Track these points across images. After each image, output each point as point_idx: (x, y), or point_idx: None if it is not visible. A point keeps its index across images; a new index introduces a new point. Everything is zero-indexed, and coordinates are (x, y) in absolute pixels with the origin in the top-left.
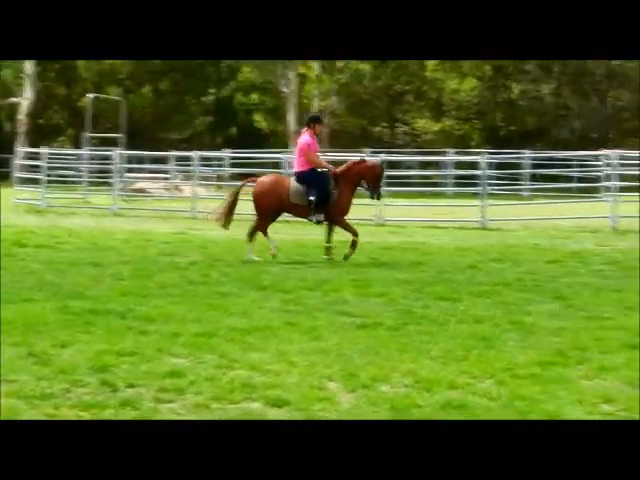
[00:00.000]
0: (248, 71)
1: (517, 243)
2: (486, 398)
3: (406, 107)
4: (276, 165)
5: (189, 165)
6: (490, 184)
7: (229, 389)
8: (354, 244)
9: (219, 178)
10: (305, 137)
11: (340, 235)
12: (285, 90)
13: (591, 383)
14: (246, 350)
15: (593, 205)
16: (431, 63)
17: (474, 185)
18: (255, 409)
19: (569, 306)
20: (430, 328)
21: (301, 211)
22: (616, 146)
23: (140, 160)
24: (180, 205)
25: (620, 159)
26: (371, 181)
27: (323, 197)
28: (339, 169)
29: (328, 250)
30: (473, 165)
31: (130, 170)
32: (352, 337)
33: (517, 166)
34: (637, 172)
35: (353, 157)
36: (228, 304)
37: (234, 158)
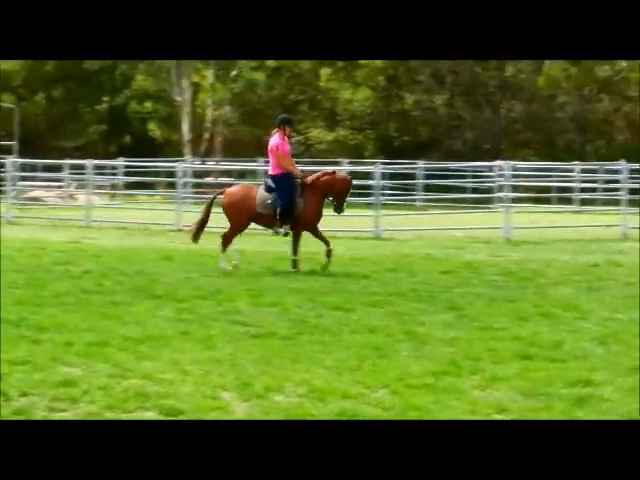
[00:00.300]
0: (142, 79)
1: (411, 253)
2: (379, 408)
3: (300, 117)
4: (170, 174)
5: (83, 173)
6: (384, 194)
7: (123, 398)
8: (329, 253)
9: (113, 187)
10: (274, 139)
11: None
12: (179, 99)
13: (484, 393)
14: (140, 359)
15: (486, 216)
16: (325, 73)
17: (368, 195)
18: (149, 418)
19: (462, 316)
20: (324, 338)
21: (267, 221)
22: (509, 157)
23: (34, 168)
24: (74, 214)
25: (513, 170)
26: (338, 194)
27: (288, 206)
28: (308, 178)
29: (295, 262)
30: (367, 175)
31: (24, 178)
32: (246, 346)
33: (411, 176)
34: (530, 183)
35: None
36: (122, 313)
37: (128, 167)
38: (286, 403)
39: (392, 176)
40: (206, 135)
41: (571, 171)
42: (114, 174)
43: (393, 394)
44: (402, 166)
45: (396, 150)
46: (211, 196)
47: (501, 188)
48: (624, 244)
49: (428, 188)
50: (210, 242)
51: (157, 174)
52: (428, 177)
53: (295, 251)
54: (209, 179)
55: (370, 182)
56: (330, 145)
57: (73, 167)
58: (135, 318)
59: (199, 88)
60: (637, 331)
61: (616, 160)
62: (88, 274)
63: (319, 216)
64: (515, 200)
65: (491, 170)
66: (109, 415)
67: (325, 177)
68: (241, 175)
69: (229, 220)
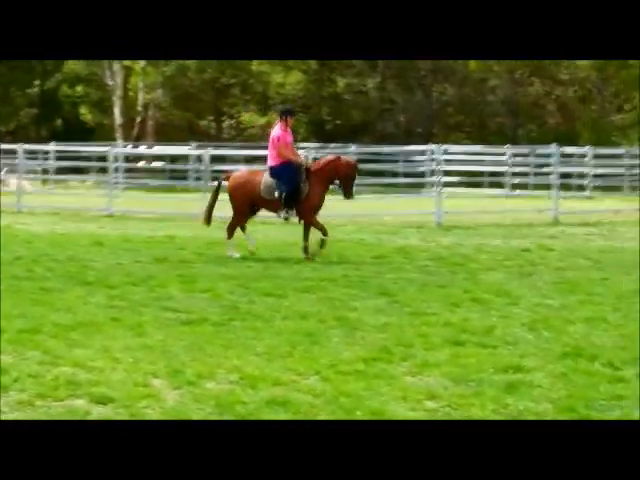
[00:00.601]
0: (73, 63)
1: (343, 238)
2: (310, 395)
3: (232, 100)
4: (102, 159)
5: (14, 158)
6: None
7: (53, 386)
8: (323, 243)
9: (45, 172)
10: (276, 130)
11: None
12: (110, 82)
13: (415, 379)
14: (71, 346)
15: (419, 200)
16: None
17: None
18: (80, 406)
19: (394, 302)
20: (255, 324)
21: (272, 206)
22: (441, 141)
23: None
24: (5, 199)
25: (445, 154)
26: (344, 179)
27: (292, 192)
28: (313, 165)
29: (305, 249)
30: None
31: None
32: (177, 333)
33: None
34: (462, 167)
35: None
36: (53, 300)
37: (60, 152)
38: (217, 390)
39: None
40: (138, 119)
41: (502, 155)
42: (46, 159)
43: (324, 381)
44: (334, 150)
45: (328, 134)
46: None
47: (433, 172)
48: (555, 228)
49: (360, 172)
50: (142, 228)
51: (89, 159)
52: (360, 161)
53: (306, 237)
54: (141, 163)
55: None
56: (262, 129)
57: (4, 152)
58: (66, 305)
59: (131, 72)
60: (568, 317)
61: (547, 144)
62: (19, 260)
63: (322, 203)
64: (447, 184)
65: (423, 154)
66: (39, 403)
67: (329, 163)
68: (173, 160)
69: (232, 205)
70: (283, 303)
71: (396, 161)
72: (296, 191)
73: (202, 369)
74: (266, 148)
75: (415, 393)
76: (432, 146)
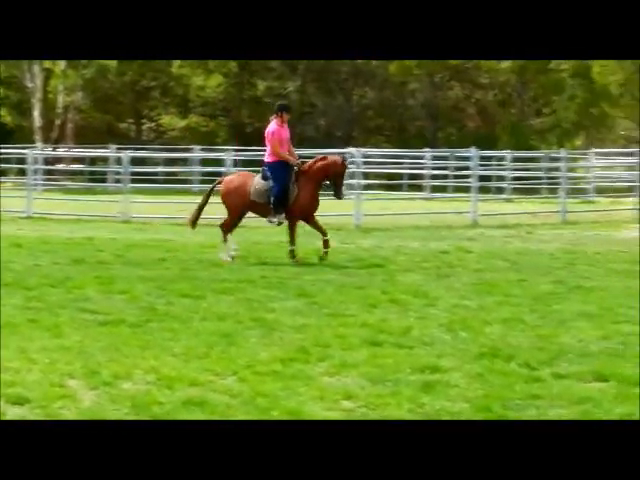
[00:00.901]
0: None
1: (262, 240)
2: (227, 395)
3: (152, 103)
4: (21, 161)
5: None
6: None
7: None
8: (326, 243)
9: None
10: (272, 125)
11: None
12: (30, 85)
13: (332, 380)
14: None
15: (337, 202)
16: None
17: None
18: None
19: (312, 303)
20: (173, 325)
21: (262, 210)
22: (361, 144)
23: None
24: None
25: (364, 157)
26: (334, 178)
27: (281, 194)
28: (305, 165)
29: (292, 252)
30: (219, 162)
31: None
32: (94, 334)
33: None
34: (381, 170)
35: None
36: None
37: None
38: (134, 390)
39: (244, 163)
40: (57, 122)
41: (422, 158)
42: None
43: (241, 381)
44: (254, 153)
45: (249, 137)
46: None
47: (352, 175)
48: (474, 231)
49: None
50: (61, 229)
51: (8, 161)
52: None
53: (292, 241)
54: (60, 166)
55: (222, 169)
56: (182, 132)
57: None
58: None
59: (51, 74)
60: (485, 317)
61: (467, 147)
62: None
63: (315, 204)
64: (366, 187)
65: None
66: None
67: (318, 163)
68: (92, 162)
69: (227, 209)
70: (201, 304)
71: None
72: (285, 194)
73: (119, 370)
74: (185, 151)
75: (332, 393)
76: (351, 149)
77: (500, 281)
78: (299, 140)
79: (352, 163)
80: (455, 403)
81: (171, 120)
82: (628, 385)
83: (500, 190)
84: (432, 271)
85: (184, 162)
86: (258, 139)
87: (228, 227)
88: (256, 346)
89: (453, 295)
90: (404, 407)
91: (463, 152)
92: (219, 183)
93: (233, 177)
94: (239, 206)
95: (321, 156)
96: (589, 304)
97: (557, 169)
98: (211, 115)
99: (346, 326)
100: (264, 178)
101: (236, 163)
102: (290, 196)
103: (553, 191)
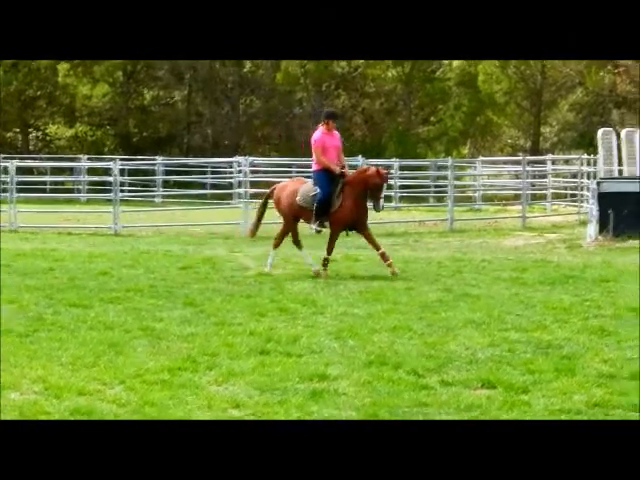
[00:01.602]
0: None
1: (150, 249)
2: (115, 404)
3: (38, 112)
4: None
5: None
6: (123, 190)
7: None
8: (383, 257)
9: None
10: (316, 133)
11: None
12: None
13: (220, 388)
14: None
15: (226, 211)
16: (63, 68)
17: (107, 191)
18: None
19: (200, 312)
20: (61, 335)
21: (308, 216)
22: (249, 153)
23: None
24: None
25: (251, 166)
26: (371, 190)
27: (323, 201)
28: (350, 176)
29: (325, 261)
30: (106, 171)
31: None
32: None
33: (150, 172)
34: (269, 179)
35: None
36: None
37: None
38: (21, 400)
39: (131, 172)
40: None
41: (310, 167)
42: None
43: (129, 390)
44: (141, 162)
45: (136, 146)
46: None
47: (240, 184)
48: (362, 239)
49: (168, 184)
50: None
51: None
52: (168, 173)
53: (329, 251)
54: None
55: (109, 178)
56: (69, 141)
57: None
58: None
59: None
60: (373, 325)
61: (354, 156)
62: None
63: (359, 216)
64: (254, 196)
65: (230, 166)
66: None
67: (359, 174)
68: None
69: (281, 216)
70: (89, 314)
71: (204, 173)
72: (326, 200)
73: (6, 380)
74: (72, 160)
75: (220, 402)
76: (239, 158)
77: (388, 289)
78: (187, 149)
79: (240, 172)
80: (343, 411)
81: (58, 129)
82: (515, 392)
83: (387, 198)
84: (320, 279)
85: (71, 171)
86: (145, 148)
87: (281, 236)
88: (144, 355)
89: (341, 303)
90: (293, 415)
91: (350, 161)
92: (271, 192)
93: (286, 183)
94: (289, 212)
95: (365, 167)
96: (476, 312)
97: (444, 177)
98: (98, 124)
99: (234, 335)
100: (314, 184)
101: (123, 172)
102: (333, 204)
103: (440, 199)
